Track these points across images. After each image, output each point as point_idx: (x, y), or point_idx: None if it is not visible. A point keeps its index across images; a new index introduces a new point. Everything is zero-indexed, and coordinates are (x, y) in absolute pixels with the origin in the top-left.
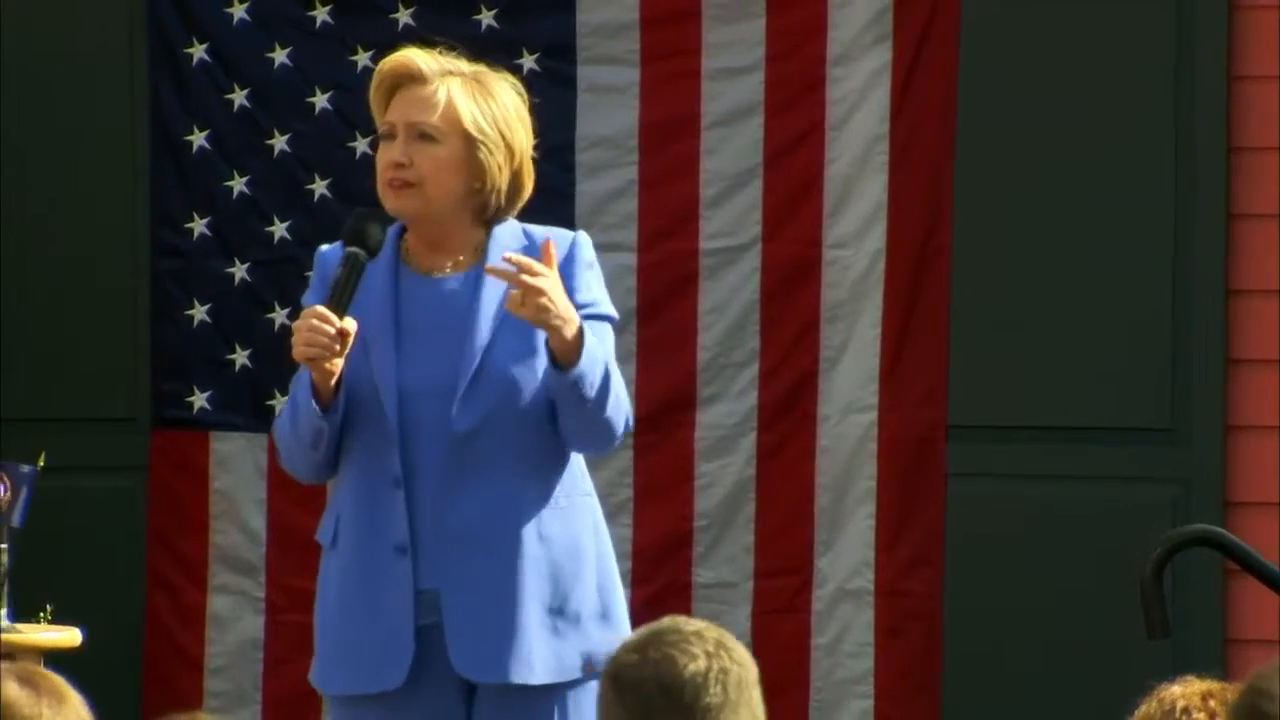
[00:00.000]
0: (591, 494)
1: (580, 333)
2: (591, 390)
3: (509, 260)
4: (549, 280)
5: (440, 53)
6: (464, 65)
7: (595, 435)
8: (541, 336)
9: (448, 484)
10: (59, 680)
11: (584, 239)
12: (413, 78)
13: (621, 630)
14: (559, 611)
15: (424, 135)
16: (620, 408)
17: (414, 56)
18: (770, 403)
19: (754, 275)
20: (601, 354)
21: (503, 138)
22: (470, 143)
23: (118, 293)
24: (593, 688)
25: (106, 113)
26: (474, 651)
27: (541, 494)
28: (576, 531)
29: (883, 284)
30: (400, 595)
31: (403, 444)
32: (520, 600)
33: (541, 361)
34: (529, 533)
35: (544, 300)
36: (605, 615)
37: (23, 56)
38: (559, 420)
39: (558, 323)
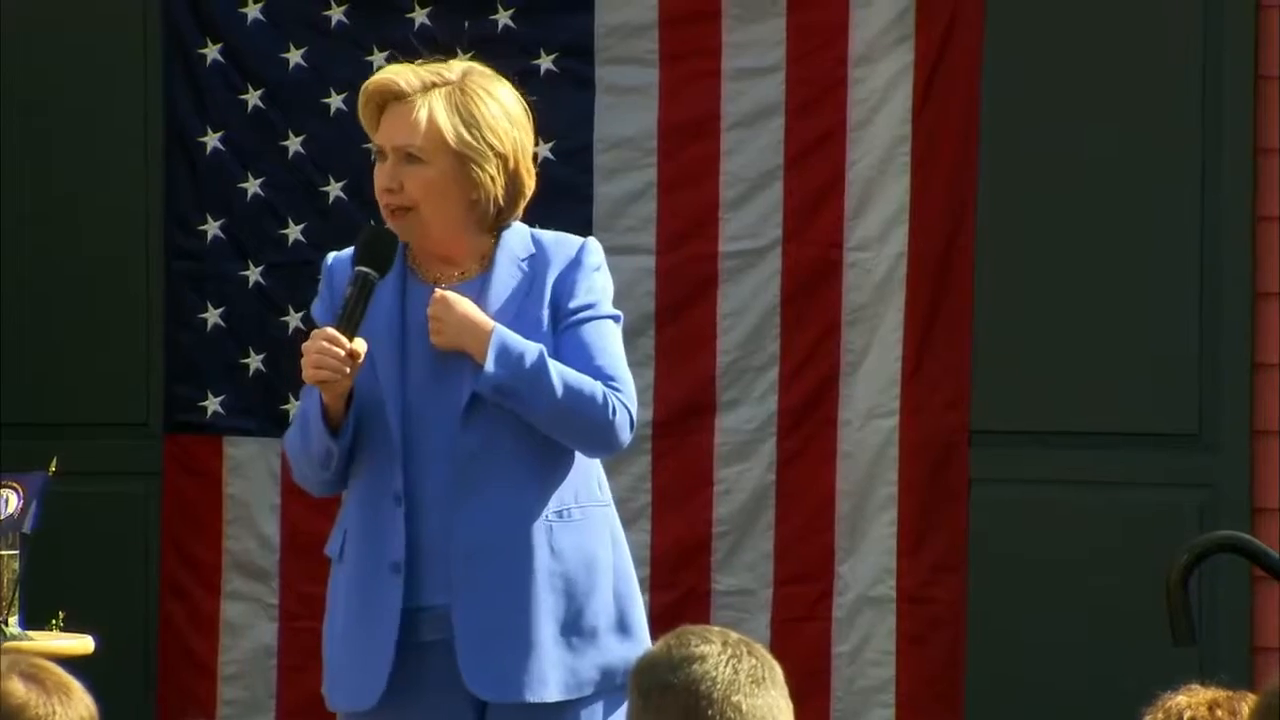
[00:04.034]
0: (609, 504)
1: (490, 340)
2: (526, 388)
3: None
4: (436, 305)
5: (423, 62)
6: (451, 71)
7: (574, 434)
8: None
9: (455, 499)
10: (60, 672)
11: (593, 244)
12: (395, 96)
13: (640, 643)
14: (573, 625)
15: (410, 157)
16: (591, 404)
17: (395, 74)
18: (790, 407)
19: (774, 278)
20: (530, 355)
21: (490, 146)
22: (458, 158)
23: (130, 296)
24: (605, 704)
25: (120, 113)
26: (486, 669)
27: (553, 506)
28: (591, 543)
29: (905, 287)
30: (388, 613)
31: (407, 459)
32: (533, 615)
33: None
34: (540, 546)
35: (437, 324)
36: (623, 628)
37: (35, 56)
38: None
39: (465, 337)
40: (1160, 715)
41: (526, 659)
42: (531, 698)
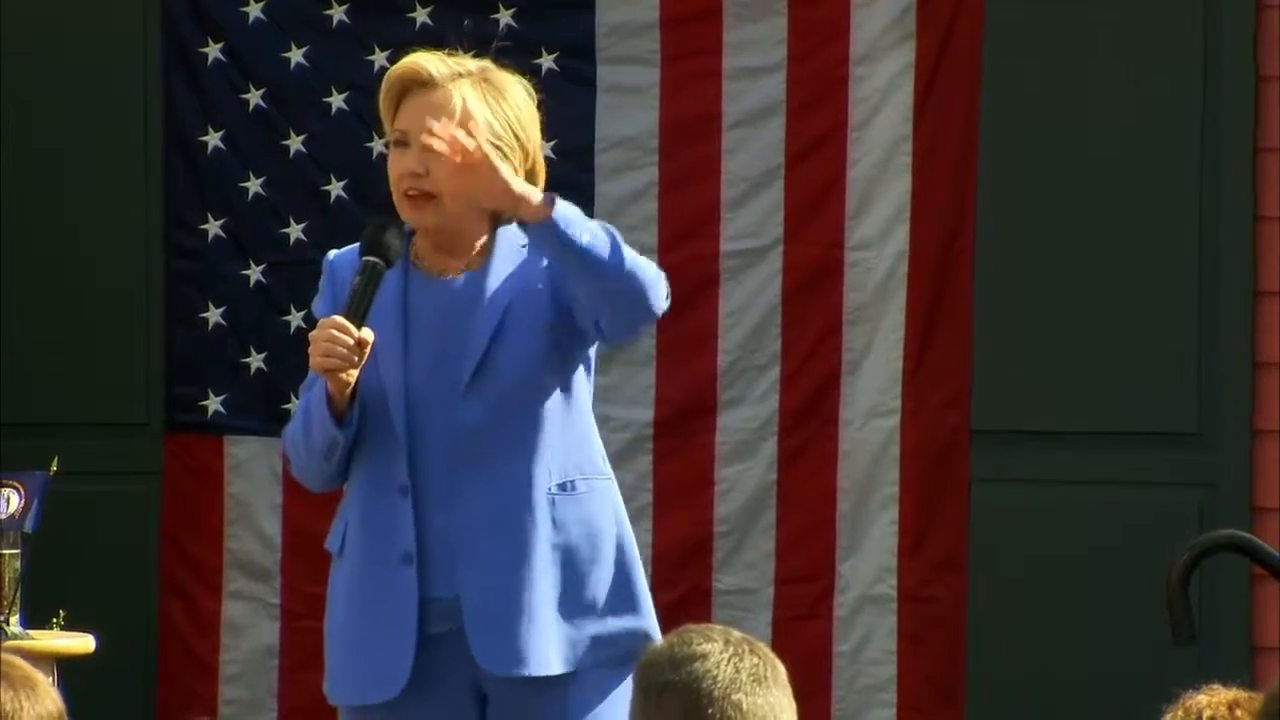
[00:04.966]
0: (610, 477)
1: (552, 200)
2: (592, 235)
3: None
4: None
5: (448, 53)
6: (471, 64)
7: (626, 294)
8: (544, 331)
9: (458, 483)
10: (28, 668)
11: None
12: (423, 83)
13: (644, 615)
14: (577, 598)
15: None
16: (642, 266)
17: (424, 61)
18: (792, 407)
19: (775, 277)
20: (593, 220)
21: (517, 139)
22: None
23: (131, 295)
24: (609, 676)
25: (121, 113)
26: (493, 646)
27: (555, 478)
28: (595, 515)
29: (905, 286)
30: (404, 605)
31: (411, 450)
32: (537, 589)
33: (547, 352)
34: (543, 519)
35: (484, 167)
36: (627, 600)
37: (36, 56)
38: (579, 301)
39: (513, 187)
40: (1180, 714)
41: (531, 633)
42: (537, 671)
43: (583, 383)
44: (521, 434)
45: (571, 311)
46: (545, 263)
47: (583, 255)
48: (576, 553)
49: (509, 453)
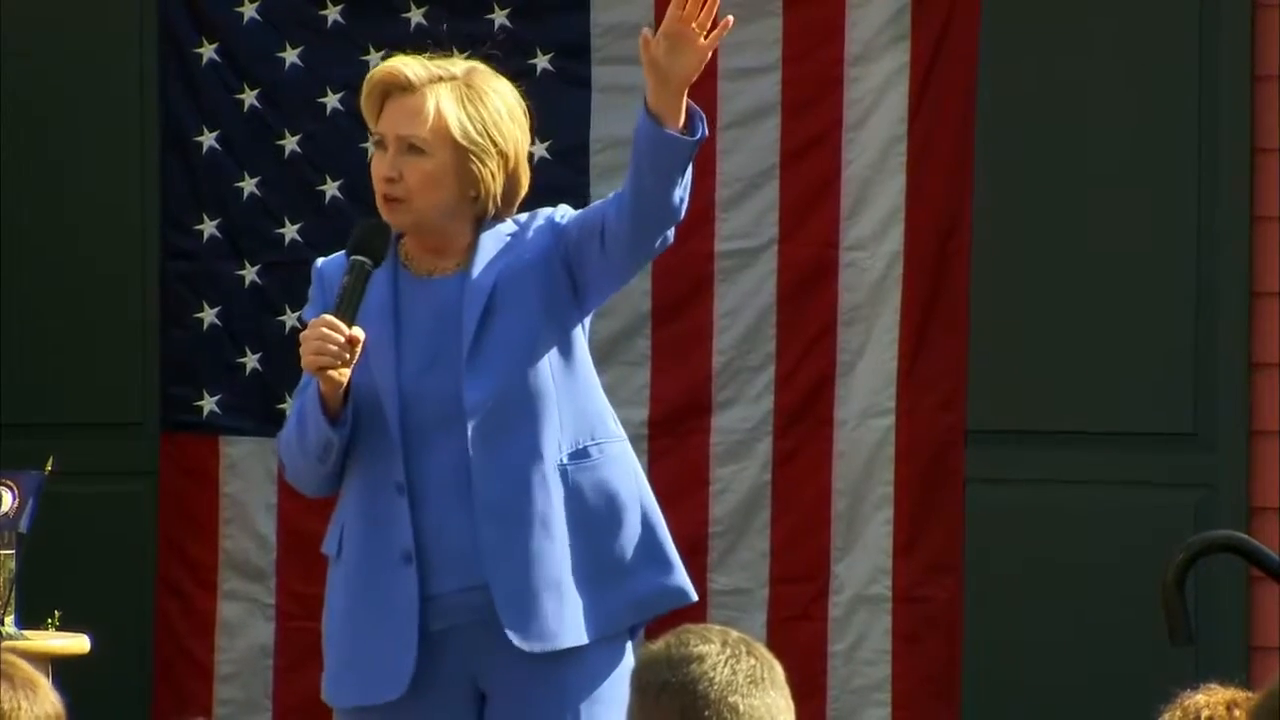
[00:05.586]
0: (624, 438)
1: (699, 122)
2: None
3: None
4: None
5: (430, 56)
6: (456, 67)
7: (666, 201)
8: (536, 301)
9: (467, 476)
10: (29, 668)
11: (566, 208)
12: (401, 87)
13: (676, 569)
14: (606, 565)
15: (413, 148)
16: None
17: (403, 65)
18: (787, 407)
19: (770, 278)
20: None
21: (494, 144)
22: (460, 152)
23: (127, 295)
24: (606, 650)
25: (116, 113)
26: (525, 624)
27: (567, 449)
28: (611, 479)
29: (900, 286)
30: (405, 604)
31: (407, 449)
32: (563, 564)
33: (540, 322)
34: (558, 496)
35: (701, 53)
36: (656, 557)
37: (31, 56)
38: (638, 183)
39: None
40: (1178, 714)
41: (562, 607)
42: (572, 642)
43: (581, 348)
44: (525, 411)
45: (582, 253)
46: (536, 242)
47: (676, 174)
48: (598, 520)
49: (515, 433)
